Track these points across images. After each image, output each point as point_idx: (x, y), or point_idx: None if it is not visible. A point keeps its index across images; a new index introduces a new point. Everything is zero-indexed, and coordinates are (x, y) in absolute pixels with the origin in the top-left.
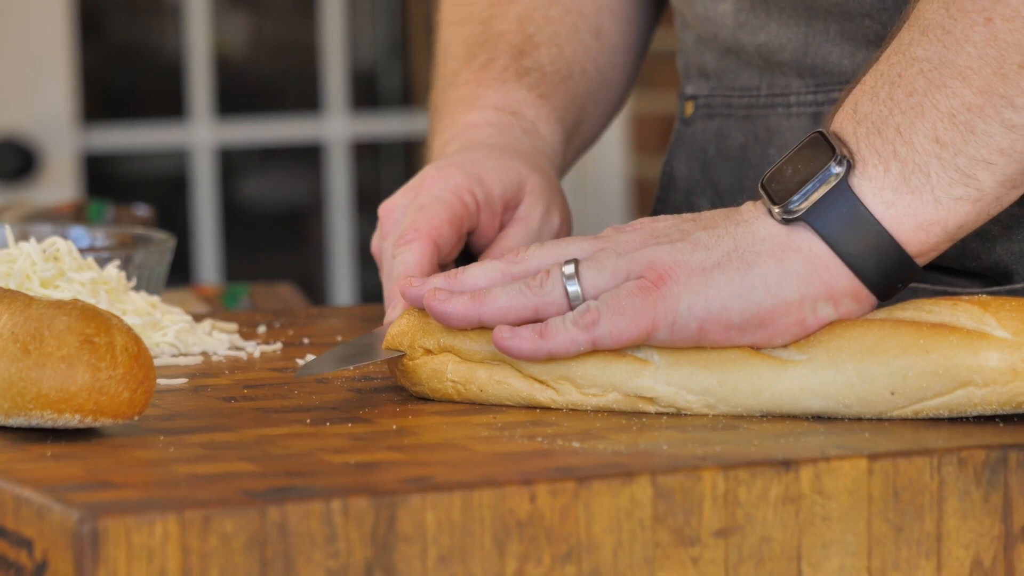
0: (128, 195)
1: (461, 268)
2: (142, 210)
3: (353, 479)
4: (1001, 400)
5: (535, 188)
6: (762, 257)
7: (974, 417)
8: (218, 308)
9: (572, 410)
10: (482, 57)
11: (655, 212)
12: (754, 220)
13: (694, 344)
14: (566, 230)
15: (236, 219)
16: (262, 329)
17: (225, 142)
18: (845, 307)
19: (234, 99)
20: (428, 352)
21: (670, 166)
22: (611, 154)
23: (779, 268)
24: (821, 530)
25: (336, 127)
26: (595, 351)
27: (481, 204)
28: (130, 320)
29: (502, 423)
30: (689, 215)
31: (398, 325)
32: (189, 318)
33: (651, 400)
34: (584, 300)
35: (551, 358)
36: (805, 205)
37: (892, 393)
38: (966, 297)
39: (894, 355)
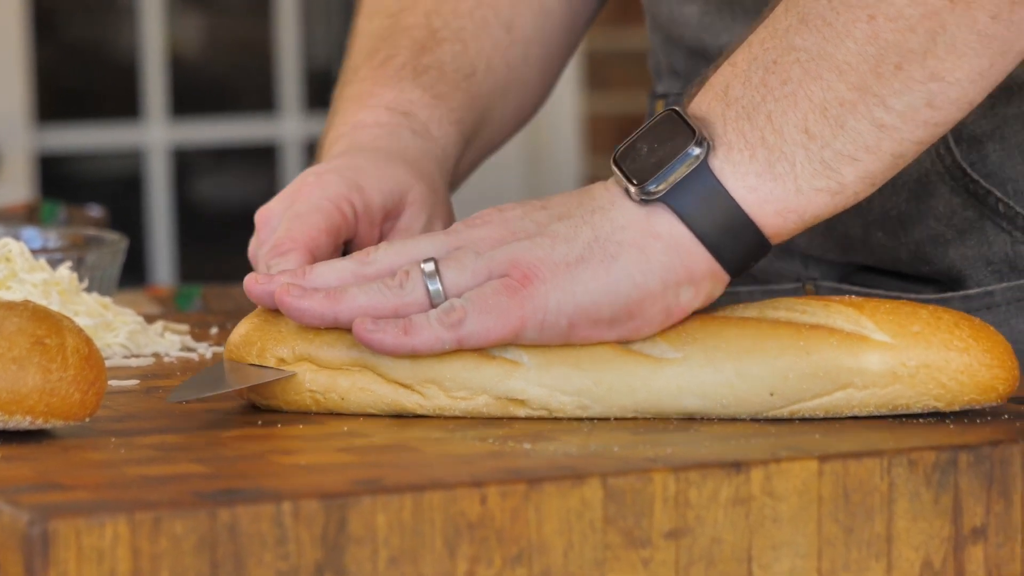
0: (82, 195)
1: (309, 267)
2: (95, 211)
3: (304, 481)
4: (879, 403)
5: (418, 198)
6: (624, 247)
7: (924, 418)
8: (171, 309)
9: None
10: (383, 53)
11: None
12: (610, 205)
13: (562, 341)
14: None
15: (191, 220)
16: (214, 330)
17: (179, 142)
18: (705, 289)
19: (188, 99)
20: (282, 361)
21: None
22: (566, 156)
23: (642, 257)
24: (771, 531)
25: (291, 127)
26: (462, 352)
27: (360, 213)
28: (82, 321)
29: (453, 425)
30: (538, 202)
31: (241, 332)
32: (141, 319)
33: (522, 403)
34: (446, 298)
35: (414, 355)
36: (664, 187)
37: (771, 394)
38: (837, 298)
39: (774, 355)
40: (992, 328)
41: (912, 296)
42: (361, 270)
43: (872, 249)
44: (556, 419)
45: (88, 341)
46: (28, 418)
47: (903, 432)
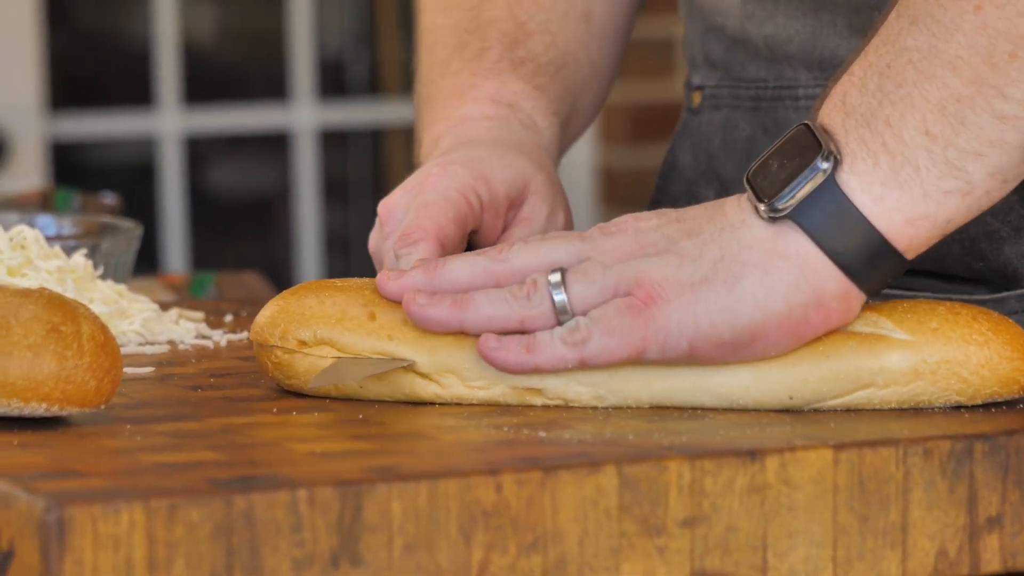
0: (95, 183)
1: (442, 260)
2: (109, 198)
3: (319, 468)
4: (901, 399)
5: (539, 187)
6: (748, 268)
7: (939, 408)
8: (185, 297)
9: None
10: (474, 46)
11: (653, 201)
12: (739, 224)
13: (686, 362)
14: (569, 229)
15: (203, 207)
16: (229, 318)
17: (192, 130)
18: (835, 312)
19: (202, 87)
20: (303, 344)
21: (673, 155)
22: (579, 144)
23: (766, 279)
24: (787, 520)
25: (304, 115)
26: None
27: (486, 203)
28: (97, 309)
29: (468, 412)
30: (674, 213)
31: (266, 315)
32: (156, 307)
33: (539, 392)
34: (571, 313)
35: (537, 372)
36: (792, 203)
37: (790, 397)
38: None
39: (793, 362)
40: (1011, 321)
41: (964, 297)
42: (494, 267)
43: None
44: (571, 408)
45: (103, 328)
46: (44, 405)
47: (918, 421)
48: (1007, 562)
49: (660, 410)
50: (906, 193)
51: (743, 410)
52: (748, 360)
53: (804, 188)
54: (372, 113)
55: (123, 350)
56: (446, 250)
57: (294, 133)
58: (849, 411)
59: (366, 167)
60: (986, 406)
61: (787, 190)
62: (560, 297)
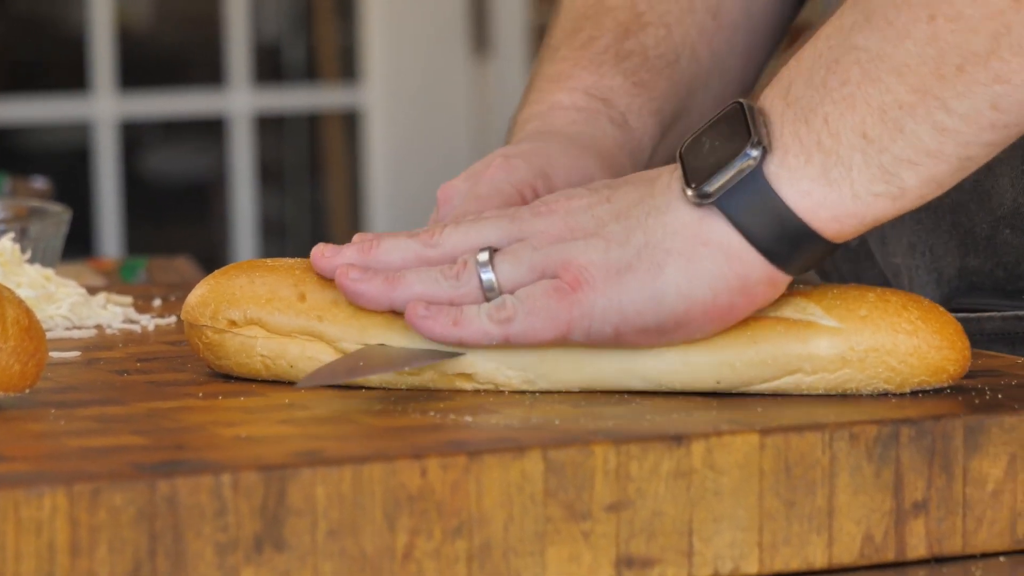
0: (30, 168)
1: (376, 239)
2: (39, 183)
3: (243, 453)
4: (828, 386)
5: None
6: (672, 255)
7: (866, 392)
8: (115, 281)
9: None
10: (585, 34)
11: None
12: (666, 207)
13: (611, 346)
14: None
15: (139, 192)
16: (157, 303)
17: (128, 115)
18: (760, 293)
19: (137, 72)
20: (233, 324)
21: None
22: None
23: (689, 267)
24: (712, 505)
25: (240, 100)
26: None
27: None
28: (24, 293)
29: (395, 397)
30: (606, 191)
31: (197, 294)
32: (83, 291)
33: (469, 377)
34: (498, 291)
35: (461, 345)
36: (717, 190)
37: (717, 382)
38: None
39: (720, 347)
40: (941, 309)
41: None
42: (425, 252)
43: (995, 248)
44: (500, 392)
45: (28, 312)
46: None
47: (845, 406)
48: (933, 547)
49: (587, 395)
50: (835, 191)
51: (671, 394)
52: (675, 344)
53: (730, 175)
54: (309, 98)
55: (50, 335)
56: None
57: (230, 118)
58: (777, 396)
59: (302, 152)
60: (913, 392)
61: (714, 176)
62: (488, 276)
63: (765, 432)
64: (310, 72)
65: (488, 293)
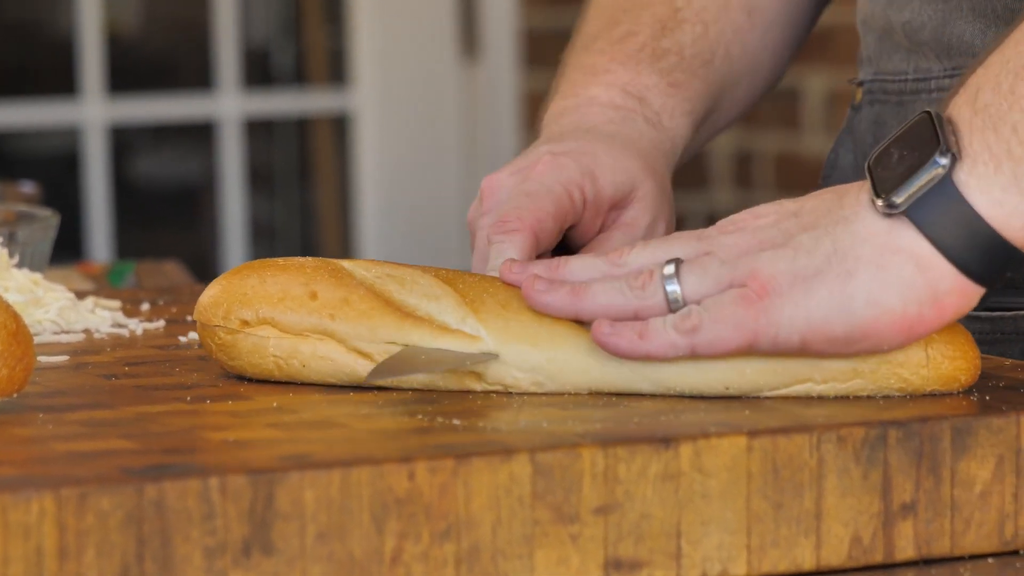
0: (19, 173)
1: (563, 259)
2: (27, 187)
3: (231, 457)
4: (838, 392)
5: (646, 195)
6: (862, 263)
7: (862, 395)
8: (103, 286)
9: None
10: (623, 27)
11: None
12: (854, 217)
13: (798, 354)
14: None
15: (128, 197)
16: (146, 307)
17: (117, 120)
18: (952, 304)
19: (126, 76)
20: (245, 324)
21: (835, 153)
22: (505, 134)
23: (880, 275)
24: (700, 507)
25: (229, 105)
26: (420, 322)
27: (589, 201)
28: (11, 297)
29: (383, 400)
30: (792, 206)
31: (210, 294)
32: (72, 296)
33: (478, 377)
34: (683, 303)
35: (648, 359)
36: (906, 199)
37: (726, 387)
38: None
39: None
40: (955, 321)
41: None
42: (612, 271)
43: None
44: (487, 395)
45: (16, 317)
46: None
47: (833, 408)
48: (921, 549)
49: (576, 398)
50: None
51: (660, 396)
52: (861, 355)
53: (919, 184)
54: (298, 102)
55: (38, 339)
56: (540, 243)
57: (219, 122)
58: (761, 398)
59: (292, 157)
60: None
61: (903, 186)
62: (673, 288)
63: (753, 434)
64: (299, 76)
65: (673, 305)
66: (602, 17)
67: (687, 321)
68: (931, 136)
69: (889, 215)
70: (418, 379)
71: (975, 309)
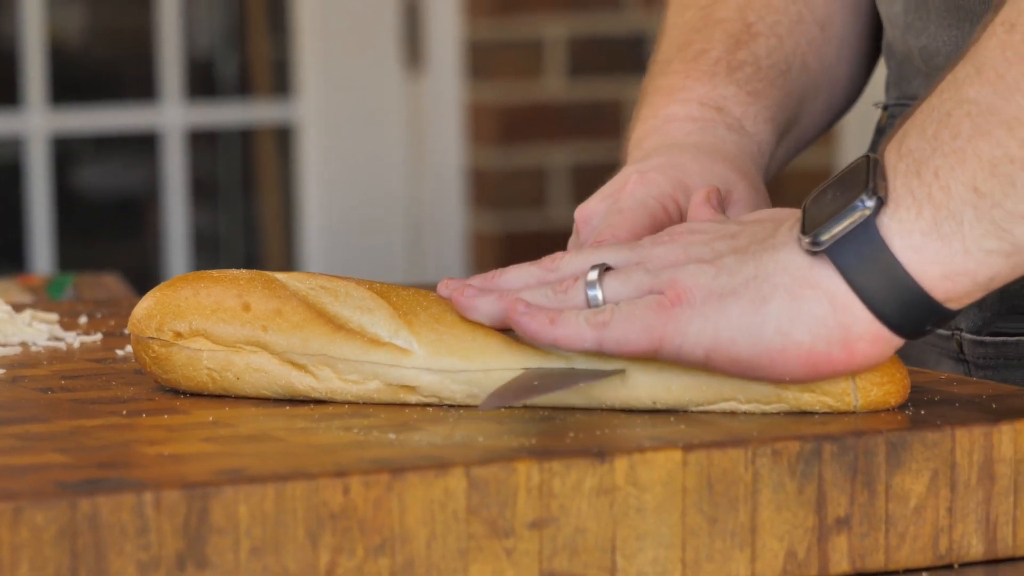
0: None
1: (499, 270)
2: None
3: (166, 471)
4: (763, 411)
5: (742, 196)
6: (778, 291)
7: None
8: (42, 298)
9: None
10: (696, 46)
11: None
12: (782, 247)
13: (701, 368)
14: None
15: (71, 208)
16: (83, 319)
17: (60, 130)
18: (861, 352)
19: (69, 87)
20: (179, 335)
21: None
22: (449, 146)
23: (793, 307)
24: (635, 522)
25: (172, 115)
26: (353, 334)
27: (684, 212)
28: None
29: (319, 414)
30: (734, 227)
31: (144, 307)
32: (9, 308)
33: (413, 389)
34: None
35: (555, 344)
36: (828, 239)
37: (653, 402)
38: None
39: (658, 368)
40: None
41: None
42: (546, 277)
43: None
44: (423, 408)
45: None
46: None
47: (768, 422)
48: (855, 563)
49: (512, 412)
50: (946, 247)
51: (596, 410)
52: (765, 381)
53: (843, 225)
54: (242, 113)
55: None
56: None
57: (163, 133)
58: (700, 412)
59: (235, 167)
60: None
61: (827, 224)
62: (594, 292)
63: (688, 448)
64: (243, 87)
65: (592, 305)
66: (675, 41)
67: (598, 315)
68: (861, 180)
69: (812, 253)
70: (351, 391)
71: (978, 334)
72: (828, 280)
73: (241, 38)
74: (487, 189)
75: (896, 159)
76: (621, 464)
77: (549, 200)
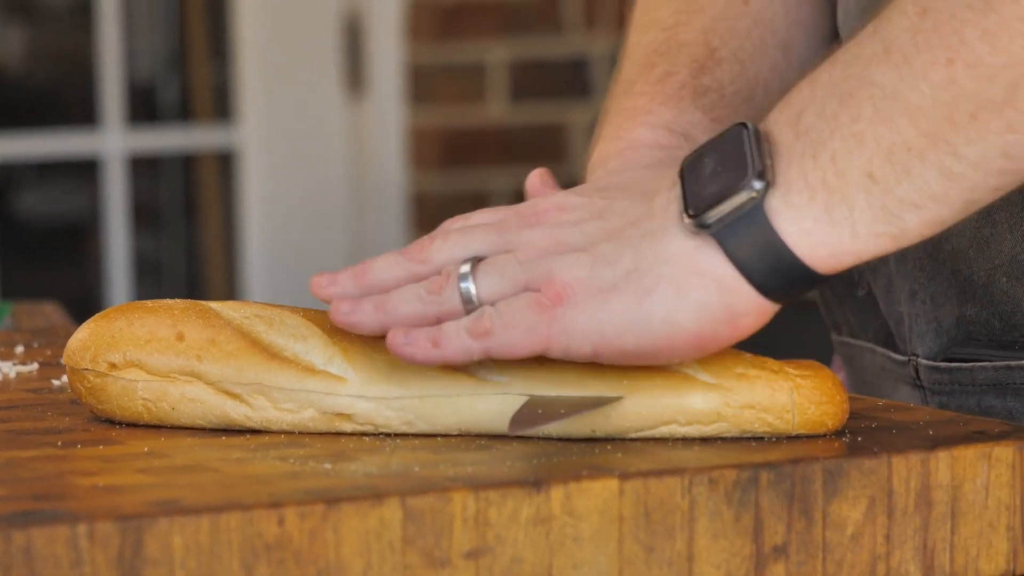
0: None
1: (369, 262)
2: None
3: (101, 502)
4: (703, 434)
5: None
6: (662, 282)
7: (727, 436)
8: None
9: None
10: (660, 68)
11: None
12: (661, 231)
13: (590, 361)
14: None
15: (11, 234)
16: (20, 349)
17: (0, 156)
18: (744, 325)
19: (9, 112)
20: (113, 367)
21: None
22: (391, 169)
23: (678, 296)
24: (572, 551)
25: (113, 141)
26: (287, 363)
27: None
28: None
29: (255, 444)
30: (601, 203)
31: (79, 338)
32: None
33: (348, 417)
34: (477, 303)
35: (445, 364)
36: (718, 222)
37: (592, 431)
38: None
39: (596, 393)
40: (821, 365)
41: (1020, 363)
42: (415, 269)
43: (992, 297)
44: (359, 437)
45: None
46: None
47: (705, 451)
48: None
49: (448, 440)
50: (836, 231)
51: (535, 439)
52: (654, 364)
53: (732, 208)
54: (183, 139)
55: None
56: None
57: (104, 159)
58: (637, 439)
59: (177, 193)
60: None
61: (715, 208)
62: (467, 286)
63: (624, 477)
64: (184, 112)
65: (467, 305)
66: (637, 63)
67: (479, 324)
68: (745, 157)
69: (696, 234)
70: (287, 420)
71: (935, 360)
72: (715, 264)
73: (182, 63)
74: (429, 213)
75: (792, 137)
76: (557, 493)
77: None
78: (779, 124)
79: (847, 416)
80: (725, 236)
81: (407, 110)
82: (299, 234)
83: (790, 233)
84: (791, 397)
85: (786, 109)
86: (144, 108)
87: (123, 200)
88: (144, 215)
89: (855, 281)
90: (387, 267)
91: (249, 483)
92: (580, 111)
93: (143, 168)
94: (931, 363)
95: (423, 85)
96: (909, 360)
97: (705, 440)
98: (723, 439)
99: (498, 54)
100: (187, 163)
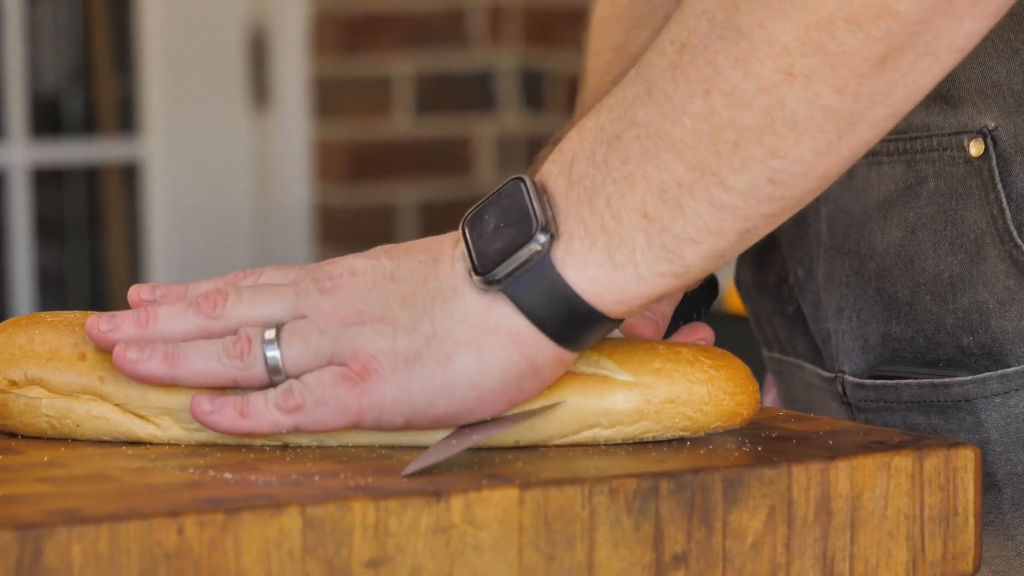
0: None
1: (153, 311)
2: None
3: None
4: (626, 437)
5: None
6: (461, 346)
7: (627, 445)
8: None
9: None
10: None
11: None
12: (452, 293)
13: (404, 430)
14: None
15: None
16: None
17: None
18: (549, 375)
19: None
20: (14, 384)
21: None
22: (296, 183)
23: (479, 358)
24: (472, 560)
25: (17, 154)
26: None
27: None
28: None
29: (155, 454)
30: (388, 264)
31: None
32: None
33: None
34: (284, 374)
35: (250, 436)
36: (505, 278)
37: (516, 441)
38: None
39: (516, 405)
40: (732, 355)
41: (947, 381)
42: (207, 324)
43: (916, 315)
44: (261, 448)
45: None
46: None
47: (605, 459)
48: None
49: (350, 451)
50: (620, 275)
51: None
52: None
53: (519, 263)
54: (87, 151)
55: None
56: None
57: (7, 171)
58: (538, 448)
59: (81, 206)
60: (674, 442)
61: (502, 264)
62: (273, 354)
63: (524, 486)
64: (88, 125)
65: (273, 373)
66: (591, 87)
67: (289, 400)
68: (527, 212)
69: (486, 291)
70: (195, 438)
71: (860, 376)
72: (508, 320)
73: (87, 76)
74: (335, 227)
75: (567, 187)
76: (457, 502)
77: (397, 237)
78: (552, 175)
79: (759, 405)
80: (515, 291)
81: (312, 123)
82: (204, 247)
83: (578, 281)
84: (707, 389)
85: (559, 159)
86: (48, 121)
87: (26, 212)
88: (48, 227)
89: (784, 298)
90: (175, 317)
91: (149, 492)
92: (485, 124)
93: (47, 180)
94: (857, 380)
95: (328, 98)
96: (836, 377)
97: (606, 448)
98: (625, 445)
99: (403, 67)
100: (91, 176)
